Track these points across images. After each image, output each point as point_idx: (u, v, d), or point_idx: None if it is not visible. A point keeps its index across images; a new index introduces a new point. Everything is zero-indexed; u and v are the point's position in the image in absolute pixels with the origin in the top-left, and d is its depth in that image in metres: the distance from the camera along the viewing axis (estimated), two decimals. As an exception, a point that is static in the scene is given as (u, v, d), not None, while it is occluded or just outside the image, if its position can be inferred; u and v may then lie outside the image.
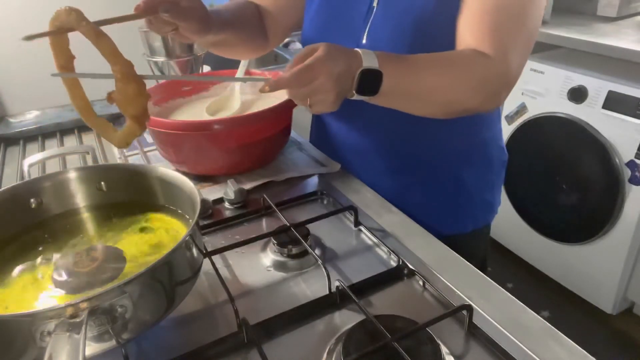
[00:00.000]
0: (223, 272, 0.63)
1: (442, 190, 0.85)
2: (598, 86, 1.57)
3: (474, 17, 0.67)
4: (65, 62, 0.53)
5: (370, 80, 0.61)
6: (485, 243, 0.95)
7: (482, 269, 0.63)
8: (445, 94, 0.67)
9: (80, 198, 0.64)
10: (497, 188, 0.92)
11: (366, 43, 0.76)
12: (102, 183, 0.64)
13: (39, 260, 0.55)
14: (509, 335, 0.51)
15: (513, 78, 0.68)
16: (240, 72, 1.02)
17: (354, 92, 0.61)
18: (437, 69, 0.66)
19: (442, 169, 0.84)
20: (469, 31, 0.68)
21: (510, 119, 1.85)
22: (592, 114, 1.59)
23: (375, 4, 0.75)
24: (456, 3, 0.69)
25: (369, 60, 0.60)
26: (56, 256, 0.56)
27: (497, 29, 0.66)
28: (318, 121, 0.98)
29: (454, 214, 0.87)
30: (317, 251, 0.67)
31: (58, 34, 0.51)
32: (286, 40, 2.21)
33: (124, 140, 0.54)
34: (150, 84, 0.99)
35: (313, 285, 0.61)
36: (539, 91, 1.73)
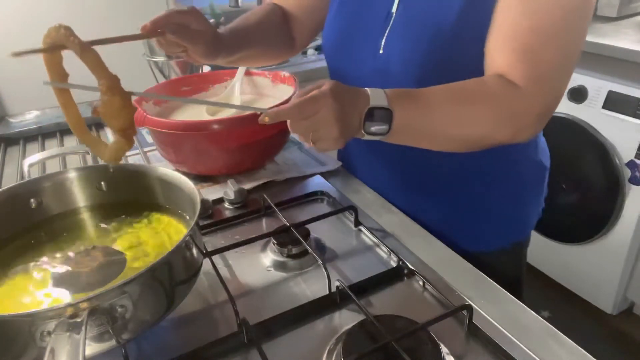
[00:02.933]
0: (223, 272, 0.63)
1: (461, 207, 0.79)
2: (598, 86, 1.57)
3: (505, 39, 0.60)
4: (60, 79, 0.53)
5: (380, 119, 0.58)
6: (518, 263, 0.87)
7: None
8: (465, 130, 0.62)
9: (80, 198, 0.64)
10: (532, 204, 0.83)
11: (383, 52, 0.70)
12: (102, 183, 0.64)
13: (39, 260, 0.55)
14: (509, 335, 0.51)
15: (549, 108, 0.62)
16: (240, 72, 1.02)
17: (363, 131, 0.58)
18: (455, 104, 0.60)
19: (461, 186, 0.77)
20: (500, 54, 0.61)
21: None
22: (592, 114, 1.59)
23: (394, 10, 0.69)
24: (484, 20, 0.62)
25: (378, 99, 0.57)
26: (56, 256, 0.56)
27: (532, 54, 0.59)
28: None
29: (475, 230, 0.80)
30: (317, 251, 0.67)
31: (48, 51, 0.51)
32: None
33: (113, 156, 0.54)
34: (149, 84, 1.00)
35: (313, 285, 0.61)
36: (539, 91, 1.72)
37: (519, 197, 0.80)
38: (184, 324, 0.57)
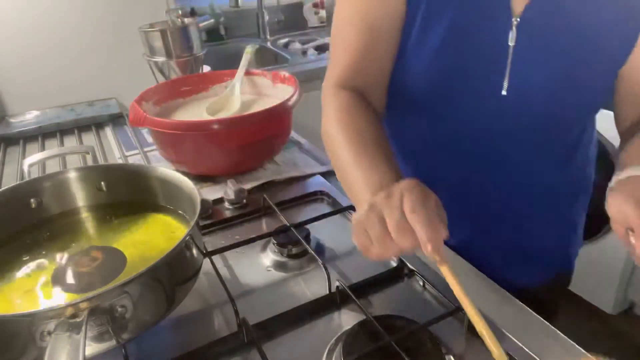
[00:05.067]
0: (223, 272, 0.63)
1: (516, 241, 0.73)
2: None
3: None
4: None
5: None
6: (561, 291, 0.86)
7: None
8: None
9: (80, 198, 0.64)
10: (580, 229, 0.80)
11: (508, 94, 0.59)
12: (102, 183, 0.64)
13: (39, 260, 0.55)
14: (509, 335, 0.51)
15: None
16: (240, 72, 1.02)
17: None
18: None
19: (522, 221, 0.72)
20: None
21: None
22: (592, 114, 1.59)
23: (511, 43, 0.58)
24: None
25: None
26: (56, 256, 0.56)
27: None
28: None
29: (527, 264, 0.75)
30: (317, 251, 0.67)
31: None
32: (286, 40, 2.22)
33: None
34: (149, 84, 1.00)
35: (313, 285, 0.61)
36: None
37: (573, 227, 0.78)
38: (184, 324, 0.57)
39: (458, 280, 0.45)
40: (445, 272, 0.45)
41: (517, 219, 0.72)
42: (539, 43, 0.57)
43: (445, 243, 0.63)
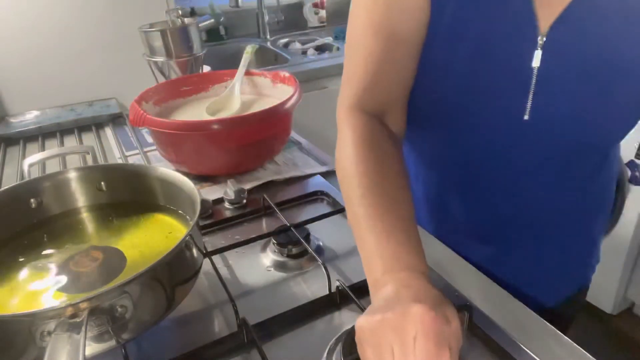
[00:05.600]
0: (223, 272, 0.63)
1: (539, 258, 0.71)
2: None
3: None
4: None
5: None
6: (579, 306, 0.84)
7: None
8: None
9: (80, 198, 0.64)
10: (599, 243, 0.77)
11: (530, 119, 0.56)
12: (102, 183, 0.64)
13: (38, 260, 0.55)
14: (509, 335, 0.51)
15: None
16: (240, 72, 1.02)
17: None
18: None
19: (547, 237, 0.70)
20: None
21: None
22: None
23: (536, 63, 0.53)
24: None
25: None
26: (56, 256, 0.56)
27: None
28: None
29: (550, 281, 0.74)
30: (317, 251, 0.67)
31: None
32: (286, 40, 2.22)
33: None
34: (149, 84, 1.00)
35: (313, 285, 0.61)
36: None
37: (592, 244, 0.76)
38: (184, 324, 0.57)
39: None
40: None
41: (536, 239, 0.69)
42: (566, 65, 0.52)
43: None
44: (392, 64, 0.57)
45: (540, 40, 0.52)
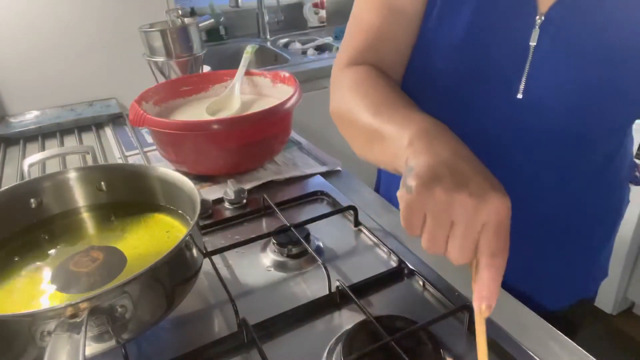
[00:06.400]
0: (223, 272, 0.63)
1: (544, 261, 0.69)
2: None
3: None
4: None
5: None
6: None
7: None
8: None
9: (80, 198, 0.64)
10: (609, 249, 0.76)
11: (523, 98, 0.55)
12: (102, 183, 0.64)
13: (38, 260, 0.55)
14: (509, 335, 0.51)
15: None
16: (240, 72, 1.02)
17: None
18: None
19: (554, 238, 0.68)
20: None
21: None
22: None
23: (533, 42, 0.53)
24: None
25: None
26: (56, 256, 0.56)
27: None
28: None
29: (555, 285, 0.72)
30: (317, 251, 0.67)
31: None
32: (286, 40, 2.22)
33: None
34: (149, 84, 1.00)
35: (313, 285, 0.61)
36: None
37: (603, 245, 0.74)
38: (184, 324, 0.57)
39: (485, 339, 0.40)
40: (480, 327, 0.40)
41: (532, 239, 0.67)
42: (563, 46, 0.52)
43: None
44: (390, 32, 0.57)
45: (539, 19, 0.52)
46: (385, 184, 0.85)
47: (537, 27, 0.53)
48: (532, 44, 0.53)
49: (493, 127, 0.59)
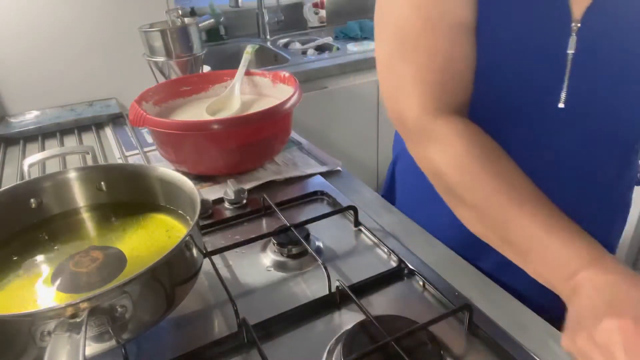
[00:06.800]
0: (223, 272, 0.63)
1: None
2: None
3: None
4: None
5: None
6: None
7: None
8: None
9: (80, 198, 0.64)
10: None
11: (565, 107, 0.55)
12: (102, 183, 0.64)
13: (38, 260, 0.55)
14: (509, 335, 0.51)
15: None
16: (240, 72, 1.02)
17: None
18: None
19: None
20: None
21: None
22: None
23: (571, 50, 0.52)
24: None
25: None
26: (56, 256, 0.56)
27: None
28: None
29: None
30: (317, 251, 0.67)
31: None
32: (286, 40, 2.22)
33: None
34: (149, 84, 1.00)
35: (313, 285, 0.61)
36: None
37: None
38: (184, 324, 0.57)
39: None
40: None
41: None
42: (601, 51, 0.51)
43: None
44: (459, 56, 0.54)
45: (575, 26, 0.51)
46: (398, 184, 0.83)
47: (573, 34, 0.52)
48: (570, 51, 0.52)
49: (534, 139, 0.58)
